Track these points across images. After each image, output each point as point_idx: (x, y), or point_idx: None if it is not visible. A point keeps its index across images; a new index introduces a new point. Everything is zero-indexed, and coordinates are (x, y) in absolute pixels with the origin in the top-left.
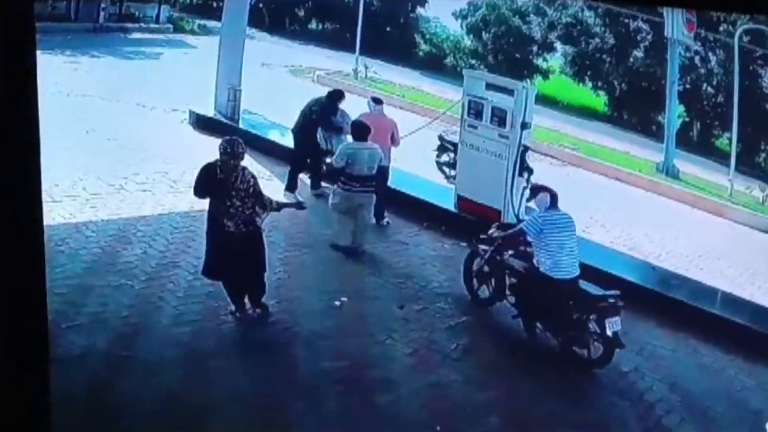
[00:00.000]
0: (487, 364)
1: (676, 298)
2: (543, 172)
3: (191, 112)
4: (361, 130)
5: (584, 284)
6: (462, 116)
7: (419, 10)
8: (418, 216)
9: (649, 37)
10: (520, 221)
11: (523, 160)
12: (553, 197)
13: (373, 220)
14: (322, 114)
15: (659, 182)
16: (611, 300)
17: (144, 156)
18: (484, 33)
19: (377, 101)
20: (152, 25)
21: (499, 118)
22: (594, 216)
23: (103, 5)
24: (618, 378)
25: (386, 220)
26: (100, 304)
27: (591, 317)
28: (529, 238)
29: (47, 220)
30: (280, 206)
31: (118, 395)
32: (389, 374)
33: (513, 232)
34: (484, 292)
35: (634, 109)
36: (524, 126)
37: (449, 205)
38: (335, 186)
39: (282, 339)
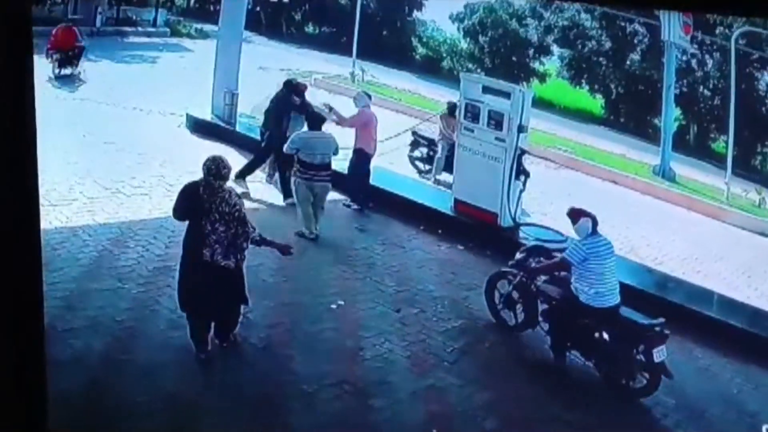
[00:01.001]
0: (484, 367)
1: (673, 301)
2: (539, 175)
3: (188, 116)
4: (314, 120)
5: (627, 311)
6: (459, 119)
7: (416, 13)
8: (415, 219)
9: (646, 40)
10: (517, 225)
11: (519, 164)
12: (595, 222)
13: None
14: (277, 105)
15: (656, 185)
16: (657, 328)
17: (141, 160)
18: (481, 36)
19: (369, 95)
20: (149, 29)
21: (496, 121)
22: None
23: (100, 9)
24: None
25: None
26: (97, 307)
27: (638, 347)
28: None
29: (44, 224)
30: (261, 241)
31: (115, 398)
32: (386, 377)
33: (553, 264)
34: (511, 317)
35: (630, 112)
36: (521, 129)
37: (446, 208)
38: (294, 175)
39: (278, 342)
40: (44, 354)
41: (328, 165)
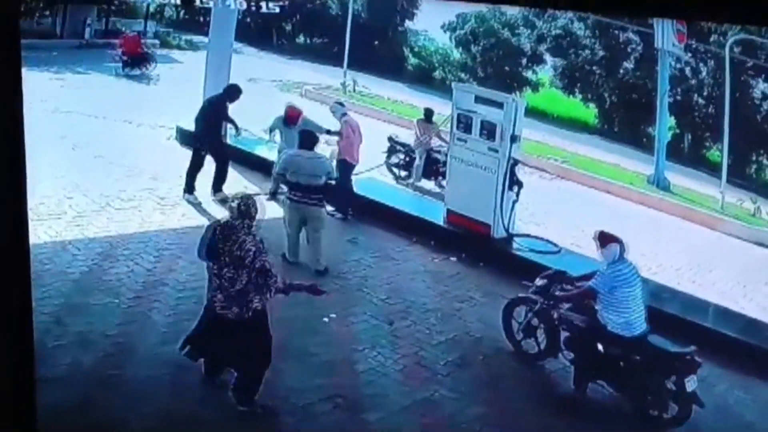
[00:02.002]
0: (477, 379)
1: (667, 312)
2: (533, 185)
3: (178, 128)
4: (306, 139)
5: (656, 339)
6: (451, 130)
7: (408, 23)
8: (407, 231)
9: (640, 48)
10: (510, 236)
11: (512, 174)
12: (623, 248)
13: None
14: (215, 108)
15: (650, 195)
16: (689, 356)
17: (130, 173)
18: (473, 46)
19: (340, 104)
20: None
21: (489, 131)
22: (584, 229)
23: (88, 21)
24: (610, 393)
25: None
26: (87, 322)
27: (670, 377)
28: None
29: (33, 239)
30: (288, 288)
31: (106, 414)
32: (379, 390)
33: (580, 292)
34: (531, 345)
35: (624, 121)
36: (514, 139)
37: (438, 219)
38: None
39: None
40: (34, 370)
41: (318, 188)
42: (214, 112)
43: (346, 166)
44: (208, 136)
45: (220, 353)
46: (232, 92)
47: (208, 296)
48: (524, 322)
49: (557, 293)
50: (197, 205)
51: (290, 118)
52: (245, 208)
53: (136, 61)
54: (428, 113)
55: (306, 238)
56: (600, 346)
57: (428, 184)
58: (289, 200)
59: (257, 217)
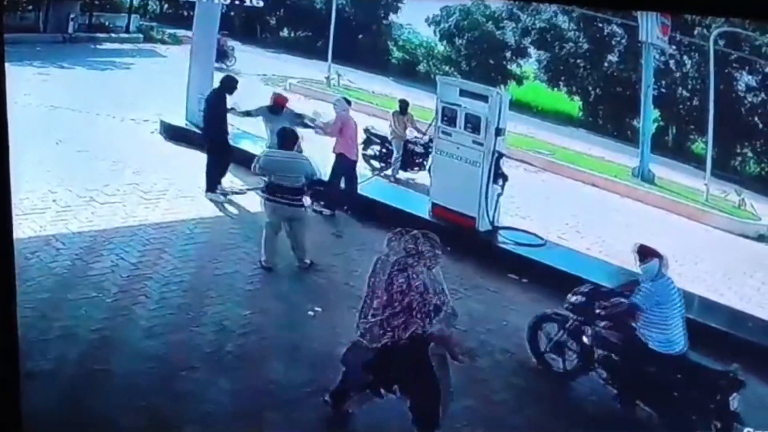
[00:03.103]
0: (463, 372)
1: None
2: (518, 178)
3: (162, 122)
4: (284, 138)
5: (696, 357)
6: (436, 123)
7: (392, 16)
8: (392, 224)
9: (624, 41)
10: (495, 229)
11: (497, 167)
12: (664, 262)
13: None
14: (217, 104)
15: (635, 187)
16: (732, 374)
17: (115, 167)
18: (457, 39)
19: (348, 102)
20: (122, 35)
21: (473, 124)
22: (569, 222)
23: (72, 15)
24: (596, 386)
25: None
26: (72, 317)
27: (713, 395)
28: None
29: (17, 234)
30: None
31: (90, 409)
32: None
33: (621, 309)
34: (560, 363)
35: (609, 113)
36: (498, 132)
37: (423, 212)
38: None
39: (256, 349)
40: (18, 365)
41: (297, 189)
42: (215, 107)
43: (344, 161)
44: (212, 132)
45: (381, 383)
46: (229, 84)
47: (362, 329)
48: (554, 339)
49: (596, 310)
50: (182, 200)
51: (277, 104)
52: (413, 245)
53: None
54: (403, 105)
55: (288, 236)
56: (640, 365)
57: (406, 176)
58: (268, 201)
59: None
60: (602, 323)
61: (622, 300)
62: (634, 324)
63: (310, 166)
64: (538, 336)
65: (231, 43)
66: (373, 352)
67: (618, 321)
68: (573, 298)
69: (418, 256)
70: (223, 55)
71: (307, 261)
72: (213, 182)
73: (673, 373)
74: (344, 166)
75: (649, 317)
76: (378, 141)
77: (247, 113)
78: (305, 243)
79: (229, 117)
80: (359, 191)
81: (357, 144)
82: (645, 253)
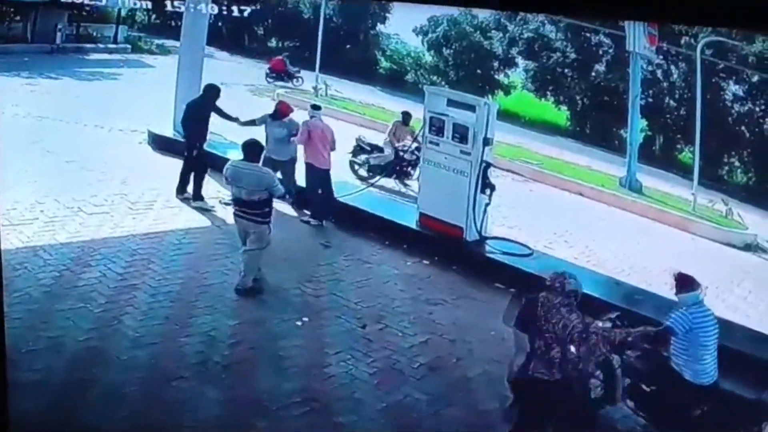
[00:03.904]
0: (451, 382)
1: (640, 313)
2: (506, 188)
3: (150, 133)
4: (247, 149)
5: (726, 384)
6: (423, 133)
7: (380, 26)
8: (380, 234)
9: (611, 51)
10: (483, 239)
11: (485, 177)
12: (702, 290)
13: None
14: (200, 112)
15: (622, 197)
16: (766, 402)
17: (102, 177)
18: (445, 49)
19: (316, 107)
20: (110, 46)
21: (461, 134)
22: (557, 231)
23: (60, 26)
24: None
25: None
26: (59, 327)
27: (749, 426)
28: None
29: (4, 245)
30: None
31: (78, 419)
32: (352, 394)
33: (655, 334)
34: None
35: (596, 123)
36: (486, 142)
37: (411, 222)
38: None
39: (244, 359)
40: (5, 376)
41: (258, 203)
42: (202, 113)
43: (311, 171)
44: (196, 139)
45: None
46: (214, 92)
47: (519, 366)
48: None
49: (629, 338)
50: (169, 210)
51: (280, 111)
52: (560, 285)
53: (280, 76)
54: (406, 117)
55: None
56: (671, 395)
57: (393, 184)
58: (234, 215)
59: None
60: (632, 352)
61: (652, 329)
62: (665, 353)
63: (269, 179)
64: None
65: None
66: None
67: (649, 349)
68: (599, 325)
69: (574, 296)
70: (290, 76)
71: (247, 285)
72: (183, 185)
73: (706, 404)
74: (315, 175)
75: (682, 345)
76: (368, 149)
77: (251, 122)
78: (258, 262)
79: (212, 126)
80: (348, 201)
81: (328, 151)
82: (684, 281)
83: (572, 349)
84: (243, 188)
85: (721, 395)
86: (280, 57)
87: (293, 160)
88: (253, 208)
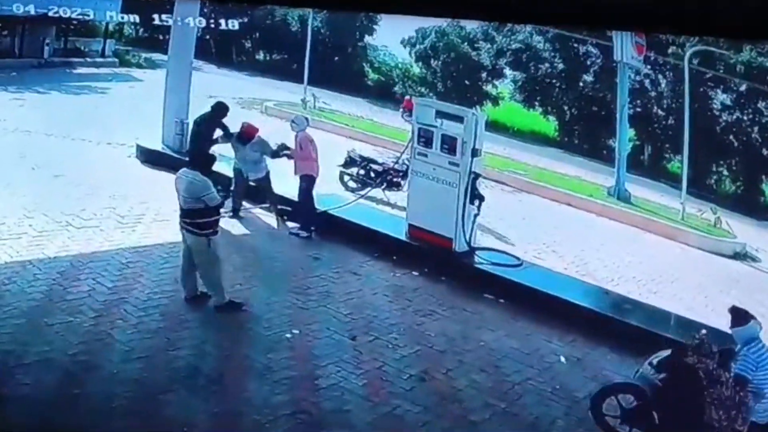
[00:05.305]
0: (441, 393)
1: (630, 323)
2: (495, 199)
3: (138, 146)
4: (196, 157)
5: None
6: (412, 145)
7: (367, 38)
8: (369, 246)
9: (599, 61)
10: (472, 250)
11: (474, 188)
12: (760, 325)
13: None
14: (207, 128)
15: (611, 206)
16: None
17: (91, 192)
18: (433, 60)
19: (306, 119)
20: (98, 60)
21: (449, 145)
22: (546, 242)
23: (47, 40)
24: (573, 404)
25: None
26: (49, 342)
27: None
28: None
29: None
30: None
31: None
32: (342, 406)
33: (732, 387)
34: None
35: (584, 133)
36: (474, 153)
37: (400, 234)
38: None
39: (234, 372)
40: None
41: (192, 212)
42: (207, 131)
43: (309, 182)
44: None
45: None
46: (221, 110)
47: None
48: (629, 408)
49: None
50: (158, 224)
51: (245, 134)
52: (708, 345)
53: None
54: None
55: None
56: None
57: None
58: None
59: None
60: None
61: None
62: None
63: (200, 188)
64: (603, 403)
65: None
66: None
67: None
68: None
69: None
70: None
71: (215, 302)
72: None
73: None
74: (309, 185)
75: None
76: (360, 162)
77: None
78: (214, 278)
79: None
80: (338, 213)
81: (317, 160)
82: (741, 316)
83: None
84: (181, 196)
85: None
86: (408, 97)
87: (268, 173)
88: (189, 217)
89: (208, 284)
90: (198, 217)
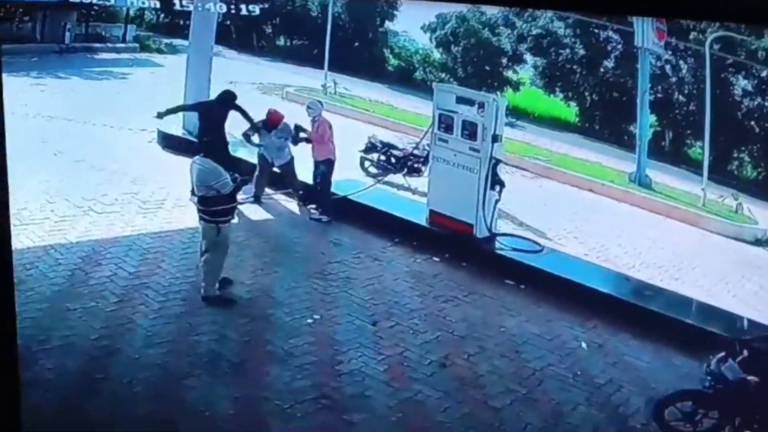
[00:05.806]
0: (462, 379)
1: (651, 309)
2: (515, 184)
3: (159, 132)
4: (209, 145)
5: None
6: (433, 130)
7: (387, 24)
8: (390, 231)
9: (620, 46)
10: (493, 235)
11: (494, 173)
12: None
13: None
14: (214, 114)
15: (632, 192)
16: None
17: (112, 177)
18: (453, 46)
19: (321, 103)
20: (118, 45)
21: (470, 131)
22: (567, 228)
23: (68, 26)
24: (594, 390)
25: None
26: (71, 327)
27: None
28: None
29: (16, 244)
30: None
31: (90, 417)
32: (363, 391)
33: None
34: None
35: (605, 119)
36: (495, 139)
37: (421, 219)
38: None
39: (255, 357)
40: (18, 375)
41: (206, 199)
42: (219, 116)
43: (329, 165)
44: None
45: None
46: (229, 98)
47: None
48: (696, 420)
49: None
50: (180, 209)
51: (271, 120)
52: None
53: None
54: None
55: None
56: None
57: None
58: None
59: None
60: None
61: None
62: None
63: (214, 176)
64: (665, 409)
65: None
66: None
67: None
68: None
69: None
70: None
71: (208, 293)
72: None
73: None
74: (329, 169)
75: None
76: (381, 148)
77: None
78: (214, 270)
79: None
80: (358, 198)
81: (334, 143)
82: None
83: None
84: (198, 185)
85: None
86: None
87: (293, 159)
88: (203, 204)
89: (206, 270)
90: (211, 205)
